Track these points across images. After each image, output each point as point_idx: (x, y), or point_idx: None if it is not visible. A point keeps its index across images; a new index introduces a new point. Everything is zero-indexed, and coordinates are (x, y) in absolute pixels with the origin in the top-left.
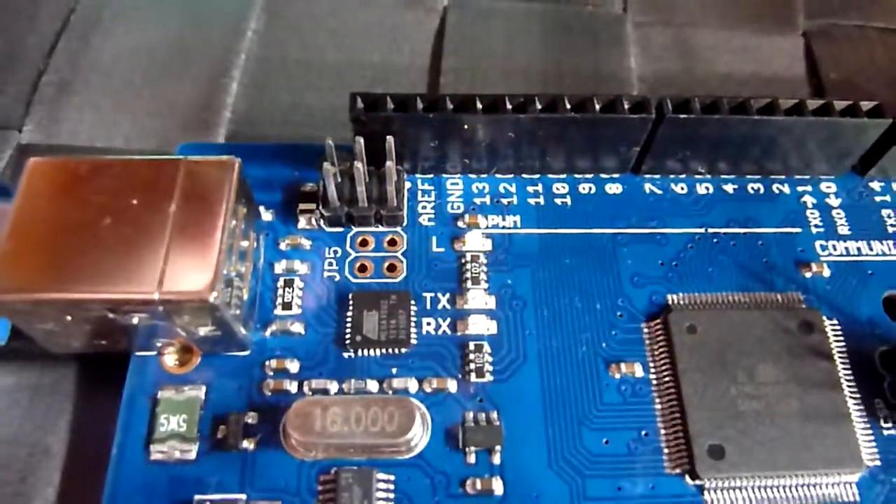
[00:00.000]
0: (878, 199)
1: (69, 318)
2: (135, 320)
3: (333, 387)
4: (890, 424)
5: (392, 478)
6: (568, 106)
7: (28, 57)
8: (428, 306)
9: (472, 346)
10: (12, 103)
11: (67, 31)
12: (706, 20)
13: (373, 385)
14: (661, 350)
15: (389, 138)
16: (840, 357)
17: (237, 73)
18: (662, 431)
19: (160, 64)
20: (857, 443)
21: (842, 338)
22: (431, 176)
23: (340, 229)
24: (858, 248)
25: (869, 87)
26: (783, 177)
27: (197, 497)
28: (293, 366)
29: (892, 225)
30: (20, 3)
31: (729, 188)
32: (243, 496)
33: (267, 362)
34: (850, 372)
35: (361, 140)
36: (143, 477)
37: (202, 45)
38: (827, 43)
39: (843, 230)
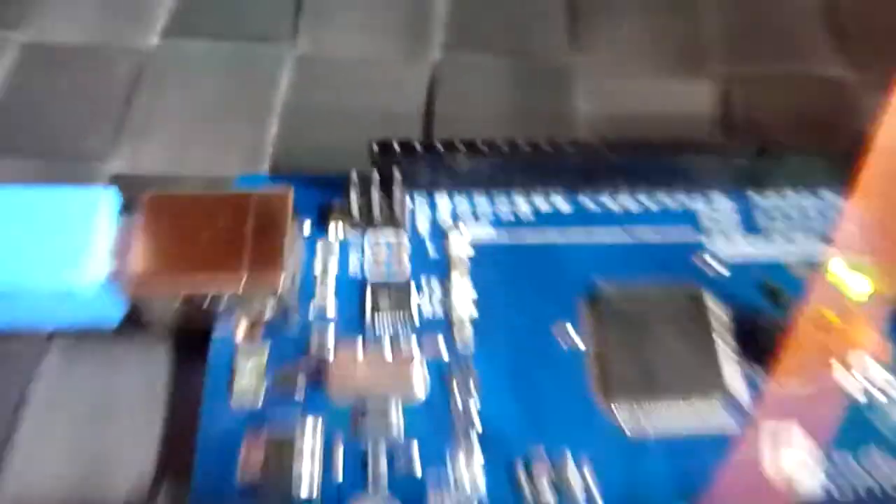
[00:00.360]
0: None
1: (176, 305)
2: (221, 307)
3: (360, 346)
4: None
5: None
6: (525, 146)
7: (112, 105)
8: (425, 292)
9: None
10: (102, 142)
11: (140, 83)
12: (640, 70)
13: (387, 345)
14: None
15: (396, 174)
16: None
17: (276, 117)
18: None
19: (214, 108)
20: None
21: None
22: (426, 193)
23: (360, 236)
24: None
25: (775, 127)
26: (691, 193)
27: (266, 430)
28: (330, 335)
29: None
30: (100, 64)
31: (650, 205)
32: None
33: (312, 333)
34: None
35: (376, 173)
36: (226, 422)
37: (247, 93)
38: (740, 87)
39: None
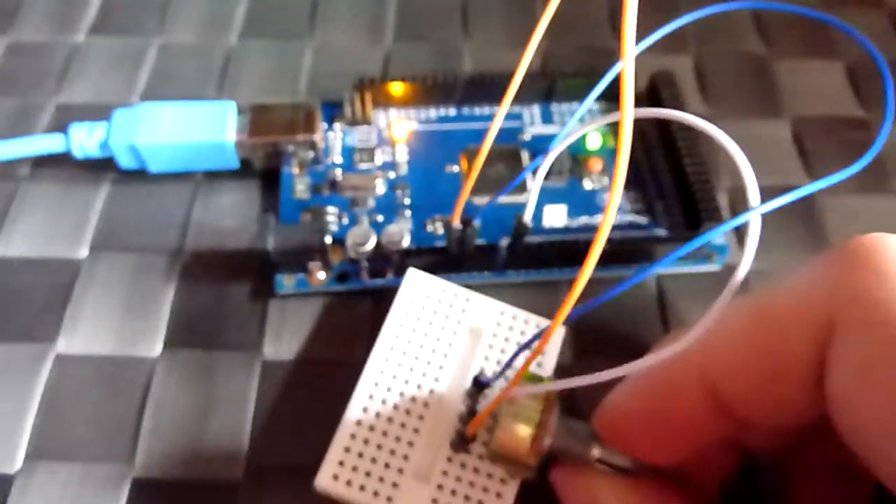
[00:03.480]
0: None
1: (263, 153)
2: (286, 154)
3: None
4: None
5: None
6: (432, 80)
7: None
8: (383, 152)
9: (399, 164)
10: None
11: None
12: (506, 44)
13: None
14: (464, 162)
15: (367, 96)
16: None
17: None
18: None
19: None
20: None
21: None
22: (382, 107)
23: (350, 128)
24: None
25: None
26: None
27: (312, 207)
28: (338, 171)
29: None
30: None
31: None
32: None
33: (330, 169)
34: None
35: (357, 96)
36: (293, 205)
37: None
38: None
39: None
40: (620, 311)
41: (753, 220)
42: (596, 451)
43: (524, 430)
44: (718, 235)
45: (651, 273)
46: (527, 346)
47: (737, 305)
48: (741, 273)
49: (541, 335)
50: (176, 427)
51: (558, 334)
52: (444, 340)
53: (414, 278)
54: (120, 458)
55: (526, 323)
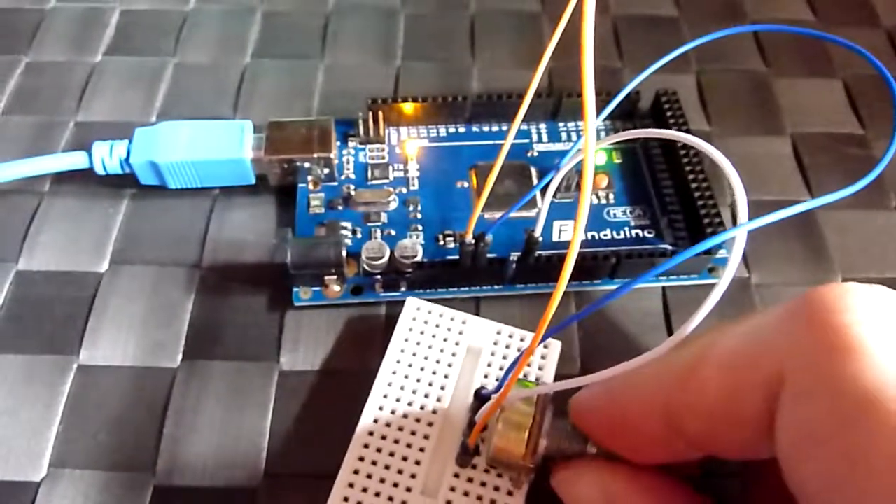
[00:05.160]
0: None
1: (279, 170)
2: (302, 170)
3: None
4: None
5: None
6: (442, 100)
7: None
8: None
9: (410, 179)
10: None
11: None
12: (511, 62)
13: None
14: (474, 177)
15: (380, 115)
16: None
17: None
18: None
19: None
20: None
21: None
22: (395, 125)
23: (362, 146)
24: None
25: None
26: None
27: (327, 222)
28: (351, 186)
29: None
30: None
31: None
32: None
33: (343, 184)
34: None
35: (371, 115)
36: (308, 219)
37: None
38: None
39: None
40: (627, 322)
41: (740, 235)
42: (593, 450)
43: (519, 435)
44: (701, 249)
45: (634, 287)
46: (518, 359)
47: (703, 345)
48: (721, 287)
49: (522, 355)
50: (196, 435)
51: (555, 346)
52: (444, 361)
53: (412, 306)
54: (141, 466)
55: (522, 340)
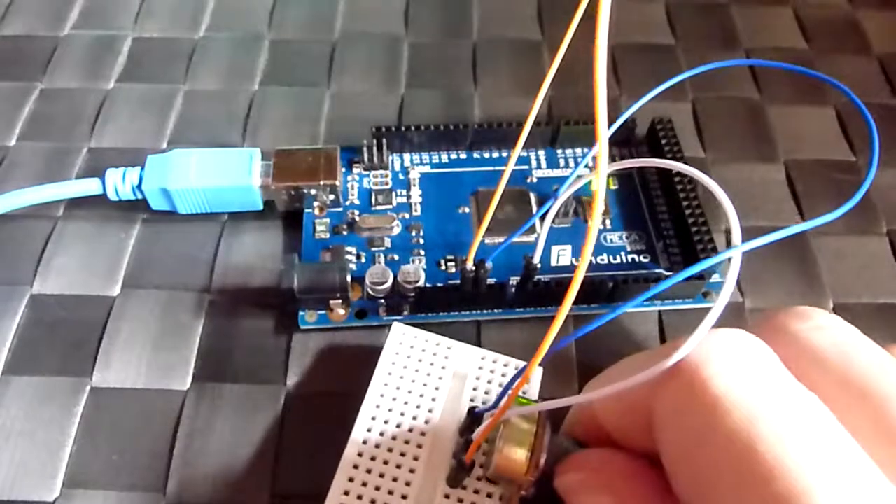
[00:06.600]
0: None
1: (287, 196)
2: (308, 197)
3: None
4: None
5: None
6: (444, 128)
7: None
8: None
9: (413, 204)
10: None
11: None
12: (511, 90)
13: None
14: (474, 204)
15: (384, 142)
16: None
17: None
18: None
19: None
20: None
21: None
22: (398, 152)
23: (367, 172)
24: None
25: None
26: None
27: (332, 247)
28: (356, 211)
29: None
30: None
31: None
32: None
33: (348, 210)
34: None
35: (375, 142)
36: (314, 245)
37: None
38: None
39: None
40: (624, 345)
41: (735, 257)
42: None
43: (521, 452)
44: (692, 273)
45: (628, 310)
46: (510, 384)
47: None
48: (716, 310)
49: (522, 373)
50: (205, 456)
51: (538, 371)
52: (430, 385)
53: (398, 332)
54: (153, 486)
55: (505, 366)
